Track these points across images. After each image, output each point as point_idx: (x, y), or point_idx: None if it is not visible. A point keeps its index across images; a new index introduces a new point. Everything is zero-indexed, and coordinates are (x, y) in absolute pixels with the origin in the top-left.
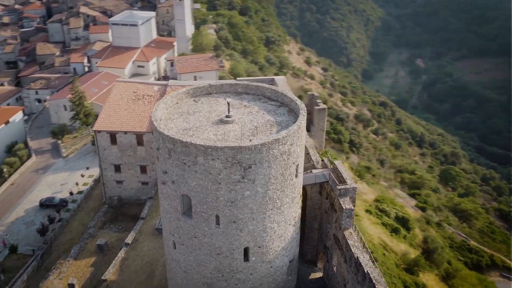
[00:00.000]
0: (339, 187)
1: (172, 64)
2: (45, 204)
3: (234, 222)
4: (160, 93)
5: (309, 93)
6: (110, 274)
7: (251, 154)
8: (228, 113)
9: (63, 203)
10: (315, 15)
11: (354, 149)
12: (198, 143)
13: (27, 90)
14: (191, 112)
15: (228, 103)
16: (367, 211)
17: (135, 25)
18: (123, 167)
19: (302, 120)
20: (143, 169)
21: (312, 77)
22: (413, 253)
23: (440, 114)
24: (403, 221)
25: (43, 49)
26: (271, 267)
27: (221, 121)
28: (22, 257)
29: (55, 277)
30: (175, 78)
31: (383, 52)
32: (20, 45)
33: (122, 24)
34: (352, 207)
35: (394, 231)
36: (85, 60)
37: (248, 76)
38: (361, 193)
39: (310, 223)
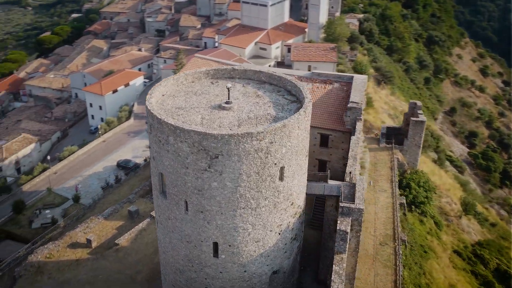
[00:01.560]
0: (342, 204)
1: (289, 50)
2: (121, 165)
3: (202, 212)
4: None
5: (411, 101)
6: (123, 240)
7: (217, 143)
8: (228, 99)
9: (136, 167)
10: None
11: (507, 182)
12: (169, 122)
13: (157, 58)
14: (198, 93)
15: (228, 89)
16: (455, 251)
17: (265, 5)
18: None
19: (293, 119)
20: None
21: (481, 90)
22: None
23: None
24: (504, 277)
25: (186, 21)
26: (245, 271)
27: (219, 107)
28: (80, 207)
29: (81, 230)
30: (289, 66)
31: None
32: (172, 15)
33: (252, 3)
34: (348, 230)
35: (486, 284)
36: (217, 36)
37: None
38: (463, 231)
39: (325, 241)
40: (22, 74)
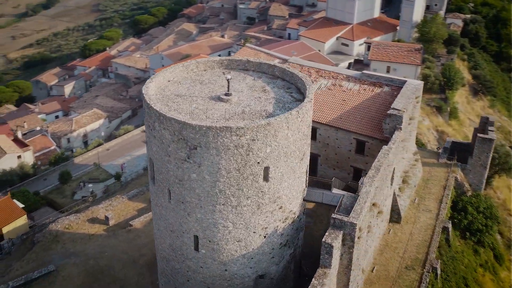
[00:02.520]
0: (333, 216)
1: (368, 48)
2: None
3: (182, 203)
4: None
5: (482, 115)
6: (137, 222)
7: (195, 134)
8: (228, 91)
9: None
10: None
11: None
12: (155, 107)
13: (237, 45)
14: (205, 82)
15: (228, 81)
16: None
17: None
18: None
19: (280, 119)
20: None
21: None
22: None
23: None
24: None
25: (275, 10)
26: (226, 270)
27: (218, 98)
28: (120, 185)
29: (104, 206)
30: (367, 65)
31: None
32: (265, 3)
33: None
34: (334, 244)
35: None
36: (299, 28)
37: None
38: None
39: None
40: (113, 52)
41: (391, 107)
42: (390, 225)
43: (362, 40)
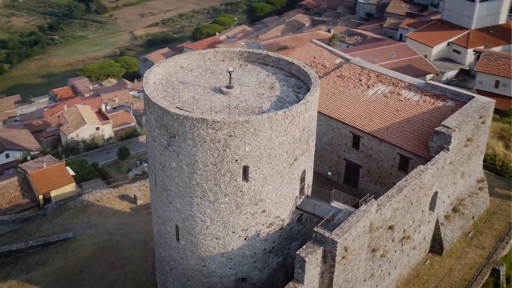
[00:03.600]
0: (315, 229)
1: (478, 57)
2: None
3: (165, 190)
4: (334, 67)
5: None
6: None
7: (174, 122)
8: (229, 84)
9: None
10: None
11: None
12: (146, 92)
13: (340, 41)
14: (217, 73)
15: (230, 73)
16: None
17: (472, 0)
18: None
19: (261, 118)
20: None
21: None
22: None
23: None
24: None
25: (394, 7)
26: (205, 266)
27: (219, 90)
28: None
29: (137, 185)
30: (474, 76)
31: None
32: None
33: None
34: (306, 258)
35: None
36: (409, 29)
37: None
38: None
39: None
40: (222, 37)
41: (441, 123)
42: (428, 255)
43: (479, 48)
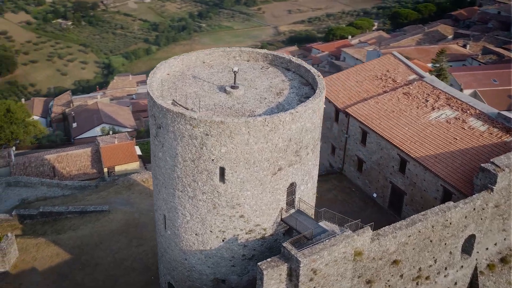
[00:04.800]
0: (284, 244)
1: None
2: None
3: (156, 178)
4: (405, 83)
5: None
6: None
7: (159, 113)
8: (234, 83)
9: None
10: None
11: None
12: (148, 81)
13: (472, 59)
14: (229, 71)
15: (235, 73)
16: None
17: None
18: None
19: (238, 121)
20: (333, 149)
21: None
22: None
23: None
24: None
25: None
26: (186, 260)
27: (223, 89)
28: None
29: None
30: None
31: None
32: None
33: None
34: (263, 272)
35: None
36: None
37: None
38: None
39: None
40: (354, 41)
41: (491, 160)
42: None
43: None
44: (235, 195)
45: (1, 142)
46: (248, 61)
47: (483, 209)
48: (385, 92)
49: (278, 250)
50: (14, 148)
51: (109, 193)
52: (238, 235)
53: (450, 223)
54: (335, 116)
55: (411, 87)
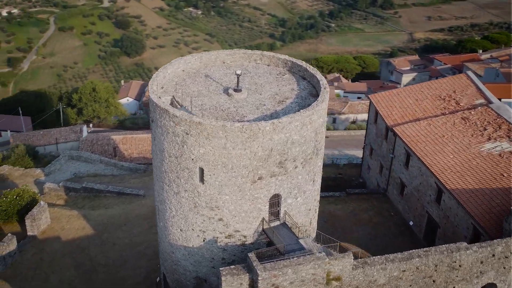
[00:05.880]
0: (250, 254)
1: None
2: None
3: (153, 169)
4: (468, 107)
5: None
6: None
7: (152, 107)
8: (237, 86)
9: None
10: None
11: None
12: (153, 75)
13: None
14: (251, 75)
15: (238, 76)
16: None
17: None
18: (373, 153)
19: (215, 124)
20: (381, 168)
21: None
22: None
23: None
24: None
25: None
26: (173, 253)
27: (227, 91)
28: None
29: None
30: None
31: None
32: None
33: None
34: (222, 277)
35: None
36: None
37: None
38: None
39: None
40: (484, 56)
41: None
42: None
43: None
44: (213, 197)
45: (84, 118)
46: (268, 65)
47: (506, 257)
48: (443, 114)
49: (259, 260)
50: (91, 125)
51: (151, 179)
52: (217, 237)
53: (460, 266)
54: (385, 133)
55: (472, 112)
